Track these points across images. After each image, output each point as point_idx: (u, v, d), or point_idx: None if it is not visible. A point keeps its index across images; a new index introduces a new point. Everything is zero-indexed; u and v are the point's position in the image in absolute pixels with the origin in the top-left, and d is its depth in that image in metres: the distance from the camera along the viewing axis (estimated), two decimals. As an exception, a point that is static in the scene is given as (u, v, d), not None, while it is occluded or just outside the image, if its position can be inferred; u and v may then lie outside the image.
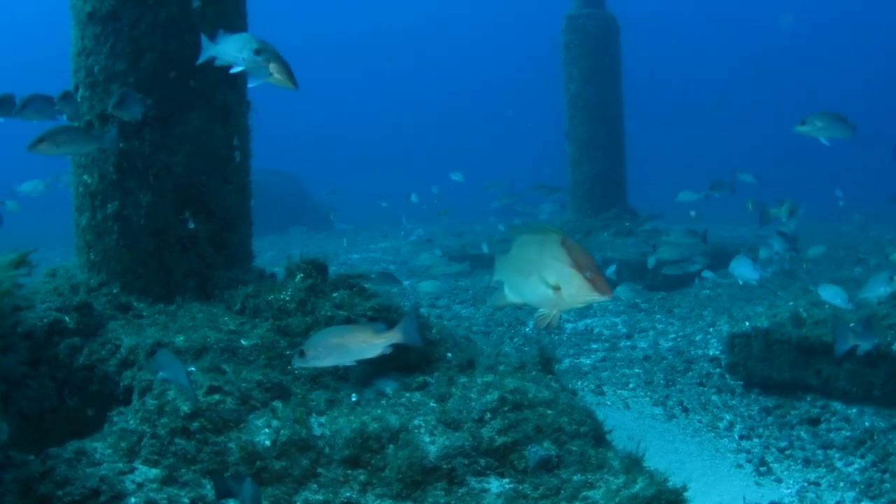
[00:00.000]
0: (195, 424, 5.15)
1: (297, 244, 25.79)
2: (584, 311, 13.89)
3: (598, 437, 5.38)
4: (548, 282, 3.93)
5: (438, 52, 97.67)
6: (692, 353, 11.08)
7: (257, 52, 5.49)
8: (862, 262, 18.97)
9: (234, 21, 7.42)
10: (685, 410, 9.12)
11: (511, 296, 4.24)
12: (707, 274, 14.41)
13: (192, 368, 5.64)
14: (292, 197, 33.10)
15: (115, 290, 7.06)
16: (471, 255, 18.51)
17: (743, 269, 10.00)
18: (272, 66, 5.57)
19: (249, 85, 5.73)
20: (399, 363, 6.19)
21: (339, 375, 5.91)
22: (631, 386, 9.92)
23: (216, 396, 5.31)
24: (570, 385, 8.13)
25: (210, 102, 7.21)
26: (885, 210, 28.19)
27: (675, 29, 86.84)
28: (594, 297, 3.86)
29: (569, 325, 12.97)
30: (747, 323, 9.62)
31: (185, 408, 5.20)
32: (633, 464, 5.11)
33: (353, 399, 5.75)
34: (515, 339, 12.18)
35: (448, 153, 68.70)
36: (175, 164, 7.05)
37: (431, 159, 62.97)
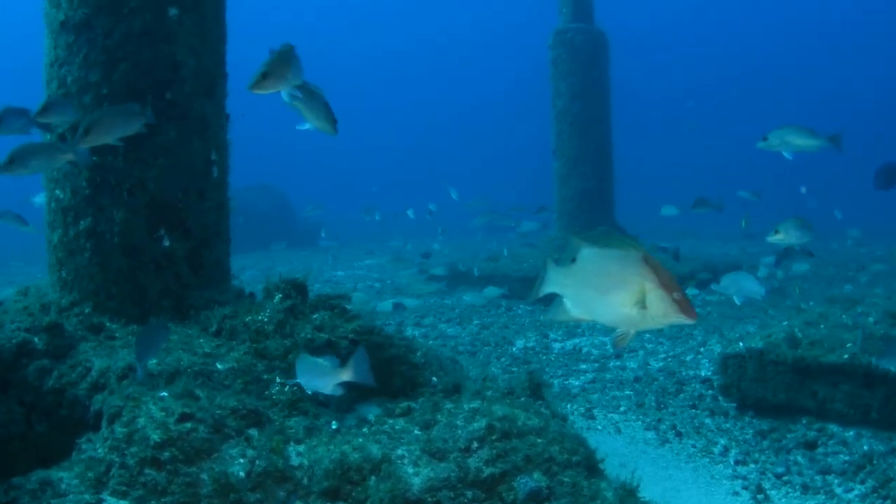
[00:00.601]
0: (166, 454, 4.88)
1: (282, 261, 25.61)
2: (573, 330, 13.67)
3: (591, 466, 5.12)
4: (633, 301, 3.75)
5: (432, 69, 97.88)
6: (683, 374, 10.82)
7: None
8: (852, 279, 18.84)
9: (213, 31, 7.18)
10: (678, 435, 8.84)
11: (576, 311, 4.04)
12: (692, 291, 14.17)
13: (165, 394, 5.37)
14: (276, 212, 32.92)
15: (86, 311, 6.80)
16: (461, 272, 18.34)
17: (747, 284, 9.73)
18: (309, 105, 5.31)
19: (300, 128, 5.48)
20: (383, 388, 5.96)
21: (319, 401, 5.65)
22: (622, 409, 9.64)
23: (188, 424, 5.03)
24: (560, 409, 7.85)
25: (187, 115, 6.94)
26: (884, 227, 28.14)
27: (666, 44, 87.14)
28: (680, 319, 3.71)
29: (556, 345, 12.73)
30: (741, 343, 9.37)
31: (156, 436, 4.93)
32: (628, 495, 4.86)
33: (334, 426, 5.48)
34: (503, 359, 11.92)
35: (446, 169, 68.84)
36: (149, 180, 6.78)
37: (429, 175, 62.95)
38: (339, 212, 35.58)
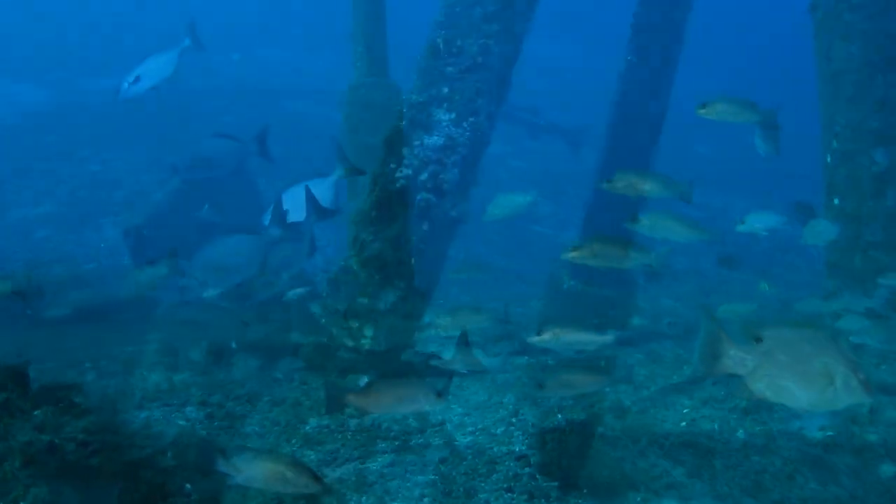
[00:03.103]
0: None
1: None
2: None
3: None
4: (830, 383, 3.76)
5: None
6: (495, 450, 9.73)
7: None
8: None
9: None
10: (495, 529, 7.70)
11: (769, 392, 4.02)
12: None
13: None
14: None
15: None
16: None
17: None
18: None
19: None
20: (128, 496, 4.70)
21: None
22: (426, 501, 8.44)
23: None
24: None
25: None
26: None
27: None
28: (866, 398, 3.87)
29: (353, 422, 11.50)
30: (559, 415, 8.40)
31: None
32: None
33: (45, 562, 4.17)
34: (293, 441, 10.62)
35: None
36: None
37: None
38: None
